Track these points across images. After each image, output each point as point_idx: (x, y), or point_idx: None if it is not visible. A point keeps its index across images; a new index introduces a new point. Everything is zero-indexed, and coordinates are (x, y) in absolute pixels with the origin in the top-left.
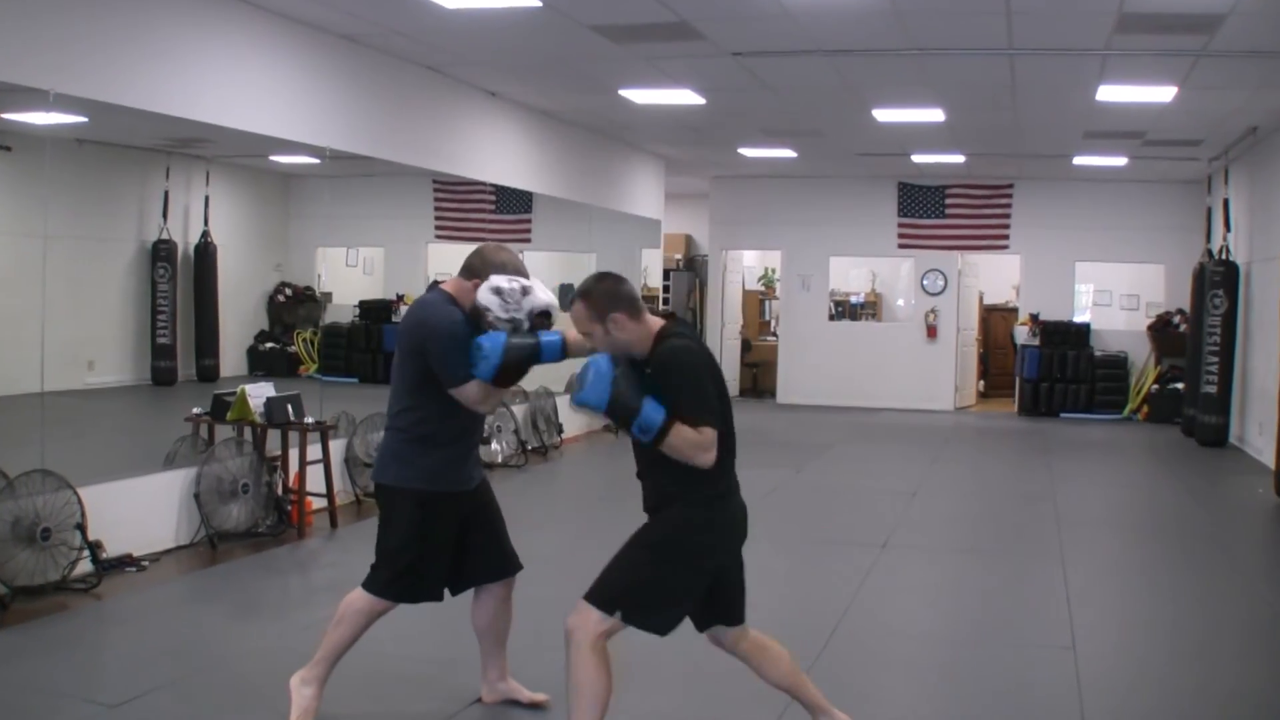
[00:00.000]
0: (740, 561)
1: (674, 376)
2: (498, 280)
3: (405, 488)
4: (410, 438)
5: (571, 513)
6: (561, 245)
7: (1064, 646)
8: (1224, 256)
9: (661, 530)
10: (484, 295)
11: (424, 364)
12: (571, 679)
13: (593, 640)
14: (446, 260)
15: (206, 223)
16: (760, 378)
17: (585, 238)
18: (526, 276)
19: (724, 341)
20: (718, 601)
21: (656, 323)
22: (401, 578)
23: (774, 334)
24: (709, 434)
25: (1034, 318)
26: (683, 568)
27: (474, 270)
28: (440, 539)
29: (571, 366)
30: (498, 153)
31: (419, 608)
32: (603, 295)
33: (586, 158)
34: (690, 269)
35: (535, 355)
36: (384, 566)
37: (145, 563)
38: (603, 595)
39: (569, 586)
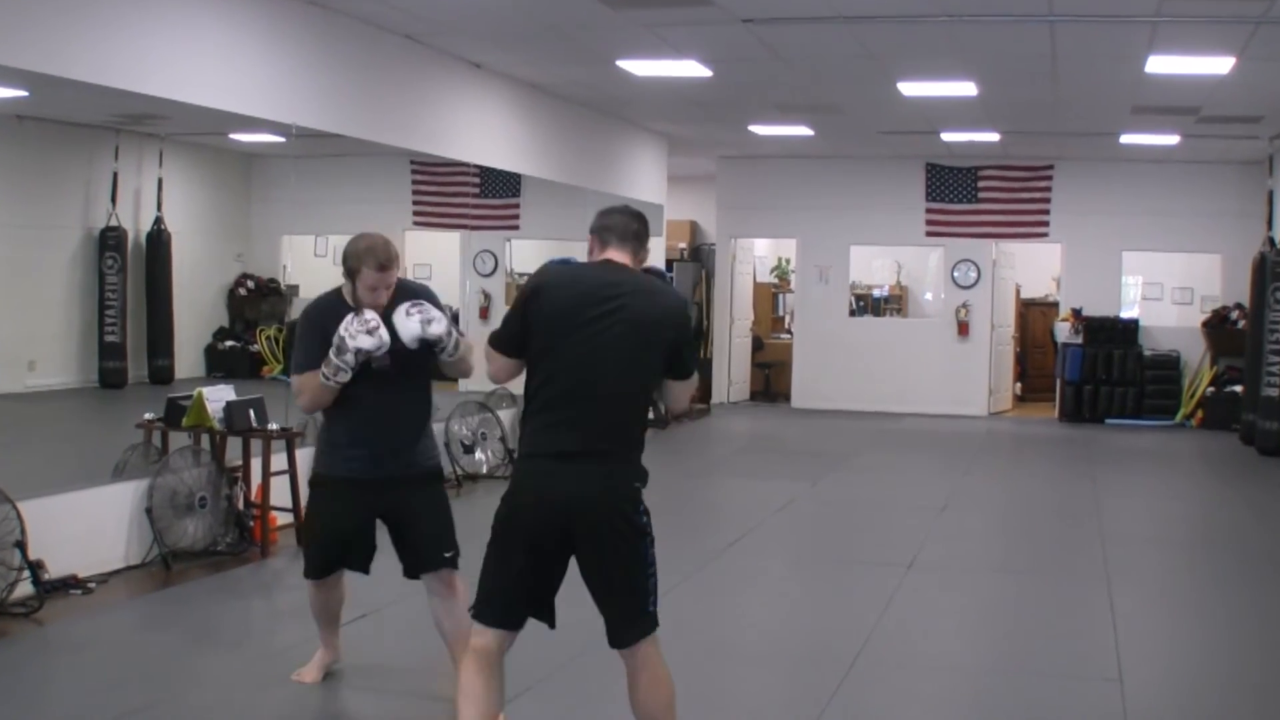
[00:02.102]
0: (594, 556)
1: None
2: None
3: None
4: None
5: None
6: (553, 232)
7: (1110, 678)
8: None
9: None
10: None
11: None
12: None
13: (469, 642)
14: (426, 249)
15: (160, 208)
16: (773, 379)
17: (580, 224)
18: (390, 262)
19: (733, 339)
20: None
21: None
22: (309, 558)
23: (788, 331)
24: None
25: (1076, 313)
26: (495, 545)
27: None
28: (330, 517)
29: None
30: (483, 131)
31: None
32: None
33: (581, 136)
34: (696, 259)
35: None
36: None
37: (92, 584)
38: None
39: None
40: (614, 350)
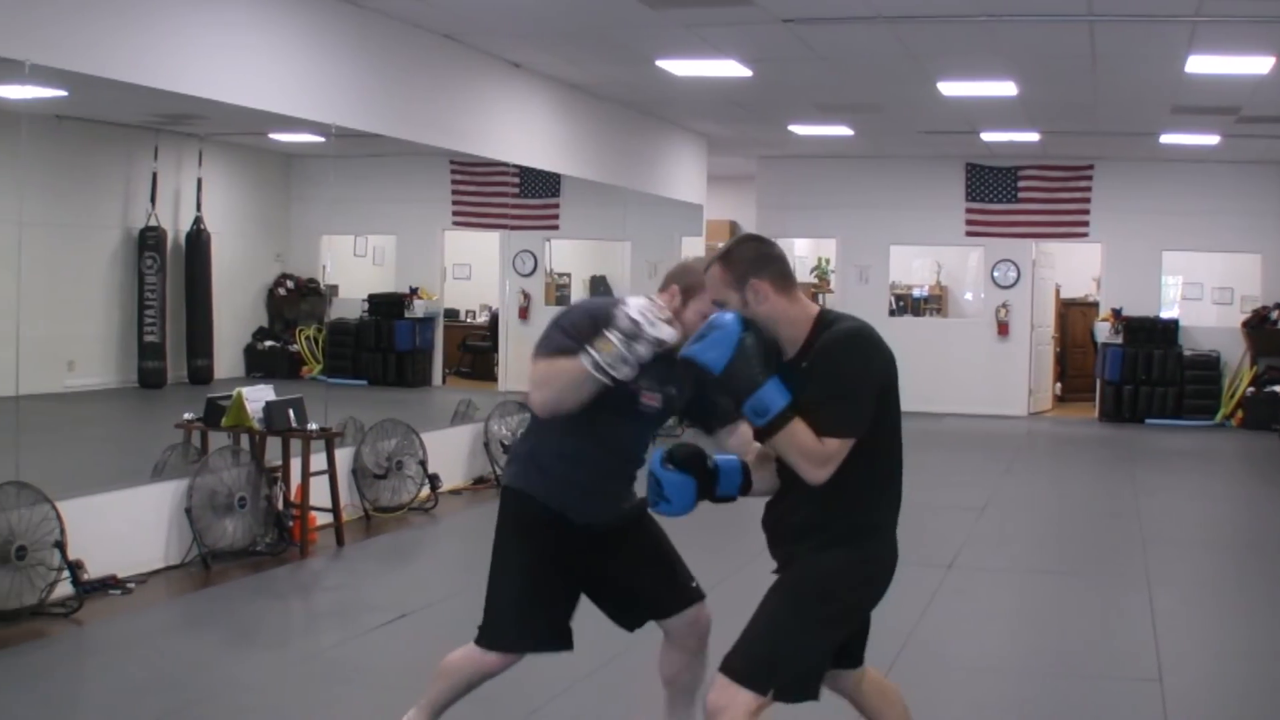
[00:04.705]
0: None
1: (829, 364)
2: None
3: None
4: None
5: None
6: (593, 233)
7: (1150, 679)
8: None
9: (809, 583)
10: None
11: None
12: None
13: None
14: (464, 249)
15: (199, 208)
16: None
17: (619, 224)
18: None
19: None
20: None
21: (813, 307)
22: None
23: None
24: (831, 446)
25: (1116, 313)
26: (834, 627)
27: (673, 279)
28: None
29: None
30: (522, 130)
31: None
32: (744, 258)
33: (620, 136)
34: None
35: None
36: None
37: (131, 585)
38: (750, 669)
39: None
40: None
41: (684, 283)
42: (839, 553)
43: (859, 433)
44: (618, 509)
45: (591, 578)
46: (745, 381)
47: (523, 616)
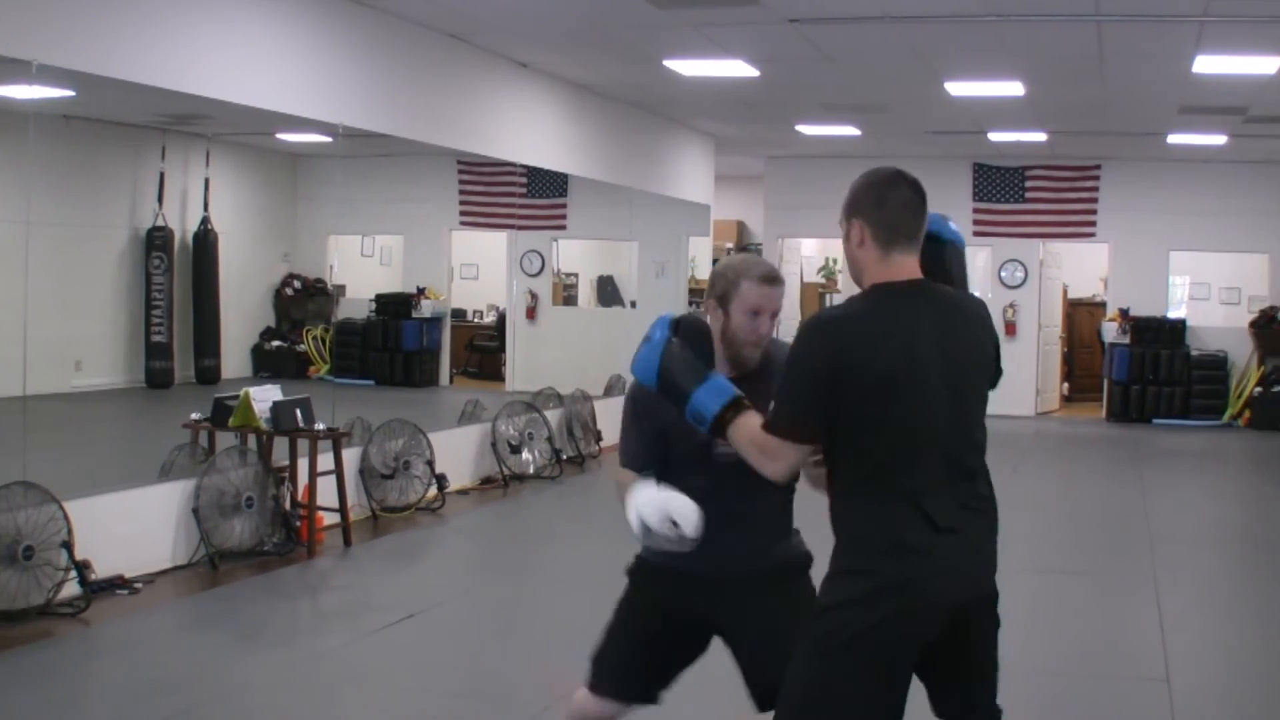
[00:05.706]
0: (964, 645)
1: (789, 355)
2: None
3: None
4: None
5: (610, 530)
6: (600, 233)
7: (1157, 679)
8: None
9: (812, 617)
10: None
11: None
12: None
13: None
14: (472, 249)
15: (206, 208)
16: None
17: (626, 224)
18: (779, 278)
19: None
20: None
21: (895, 273)
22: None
23: None
24: (772, 442)
25: (1123, 313)
26: (834, 661)
27: (707, 294)
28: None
29: (609, 368)
30: (529, 130)
31: None
32: (857, 192)
33: (628, 136)
34: None
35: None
36: None
37: (138, 584)
38: (783, 709)
39: (603, 617)
40: None
41: (716, 294)
42: (826, 581)
43: (794, 434)
44: (743, 556)
45: (723, 632)
46: (677, 392)
47: (603, 659)
